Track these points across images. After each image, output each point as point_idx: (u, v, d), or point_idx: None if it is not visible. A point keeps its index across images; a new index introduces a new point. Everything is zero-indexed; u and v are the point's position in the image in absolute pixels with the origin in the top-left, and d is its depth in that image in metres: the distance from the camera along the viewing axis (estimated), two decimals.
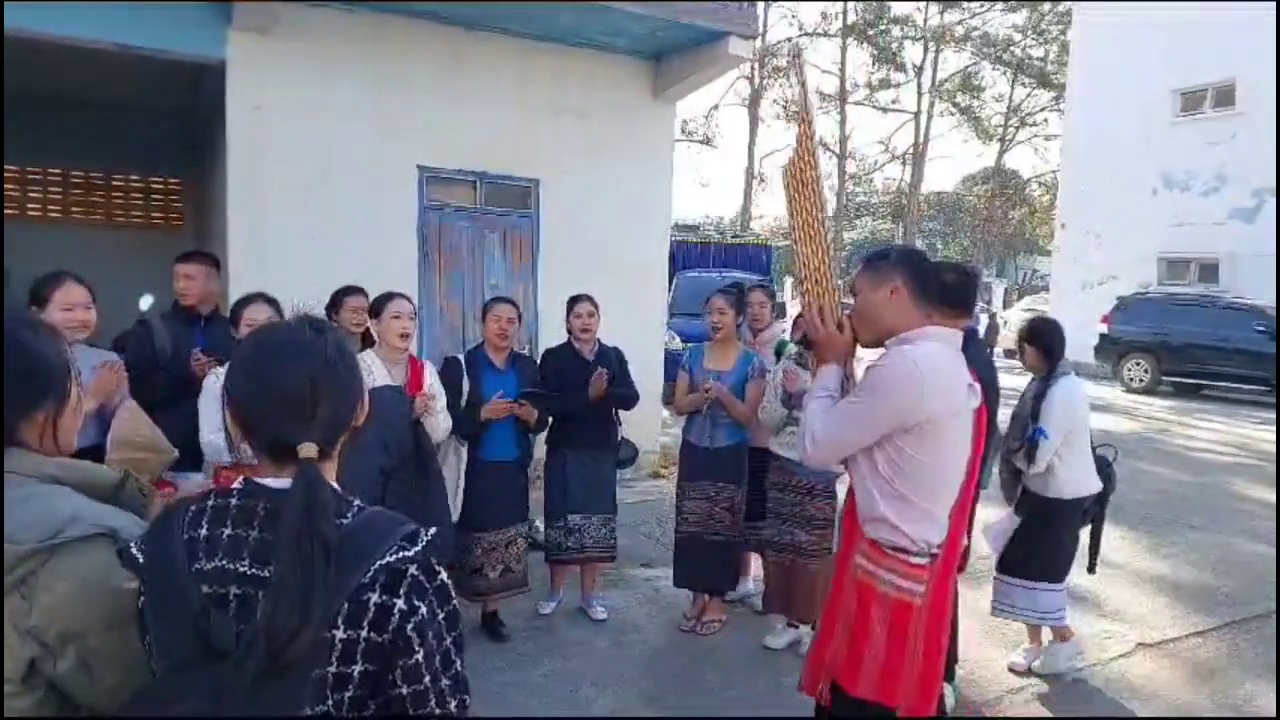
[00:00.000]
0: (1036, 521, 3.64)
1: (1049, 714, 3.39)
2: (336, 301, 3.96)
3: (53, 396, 1.18)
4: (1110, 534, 5.59)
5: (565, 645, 3.80)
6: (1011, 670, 3.72)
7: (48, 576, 1.06)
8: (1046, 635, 3.78)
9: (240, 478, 1.11)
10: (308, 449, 1.05)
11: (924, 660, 1.96)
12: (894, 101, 34.26)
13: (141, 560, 1.06)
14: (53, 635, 1.07)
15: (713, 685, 3.49)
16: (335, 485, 1.12)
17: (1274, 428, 10.04)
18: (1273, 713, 3.41)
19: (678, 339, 9.83)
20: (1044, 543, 3.64)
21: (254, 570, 1.03)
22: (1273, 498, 6.74)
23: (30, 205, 8.88)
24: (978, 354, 2.75)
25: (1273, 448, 8.83)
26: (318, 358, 1.10)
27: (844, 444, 1.98)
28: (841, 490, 3.32)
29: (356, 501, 1.11)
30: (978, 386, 1.98)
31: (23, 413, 1.15)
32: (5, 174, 8.68)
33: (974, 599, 4.54)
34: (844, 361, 2.10)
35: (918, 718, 1.96)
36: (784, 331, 4.59)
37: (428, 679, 1.05)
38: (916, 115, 33.14)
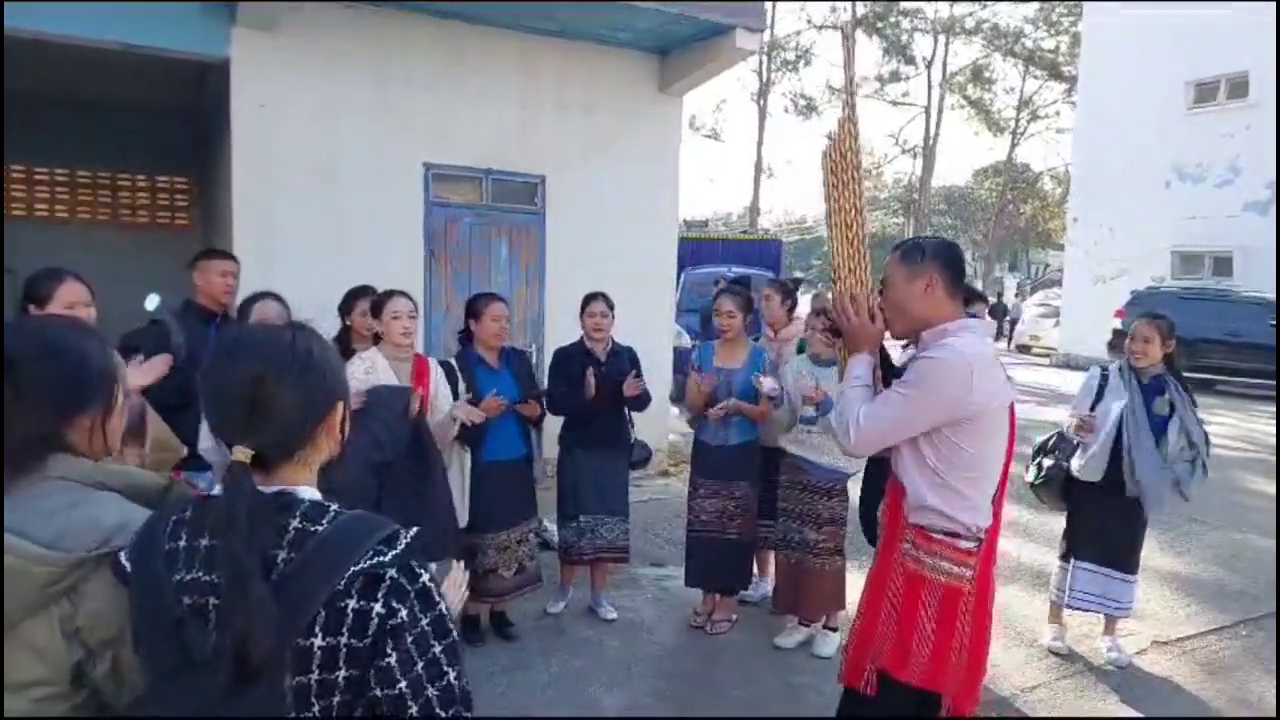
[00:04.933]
0: (1137, 513, 3.68)
1: (1061, 713, 3.35)
2: (349, 303, 3.96)
3: (101, 400, 1.20)
4: None
5: (574, 644, 3.78)
6: (1054, 654, 3.79)
7: (95, 584, 1.09)
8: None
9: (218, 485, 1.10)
10: (240, 453, 1.03)
11: (971, 647, 1.99)
12: (904, 95, 34.13)
13: (129, 570, 1.06)
14: (96, 640, 1.10)
15: (723, 685, 3.46)
16: (308, 493, 1.10)
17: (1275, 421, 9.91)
18: None
19: (686, 336, 9.79)
20: (1136, 533, 3.74)
21: None
22: None
23: (38, 206, 8.92)
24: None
25: None
26: (266, 359, 1.06)
27: (890, 433, 1.99)
28: (853, 489, 3.29)
29: (334, 506, 1.08)
30: (1013, 378, 2.10)
31: (72, 416, 1.17)
32: (13, 175, 8.73)
33: None
34: (874, 351, 2.11)
35: (962, 716, 1.99)
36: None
37: (403, 684, 1.01)
38: (927, 109, 32.96)
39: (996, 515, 2.03)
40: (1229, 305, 13.31)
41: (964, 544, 1.97)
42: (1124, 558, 3.71)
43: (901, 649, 1.98)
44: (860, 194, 2.21)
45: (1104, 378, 3.77)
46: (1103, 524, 3.70)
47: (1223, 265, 15.99)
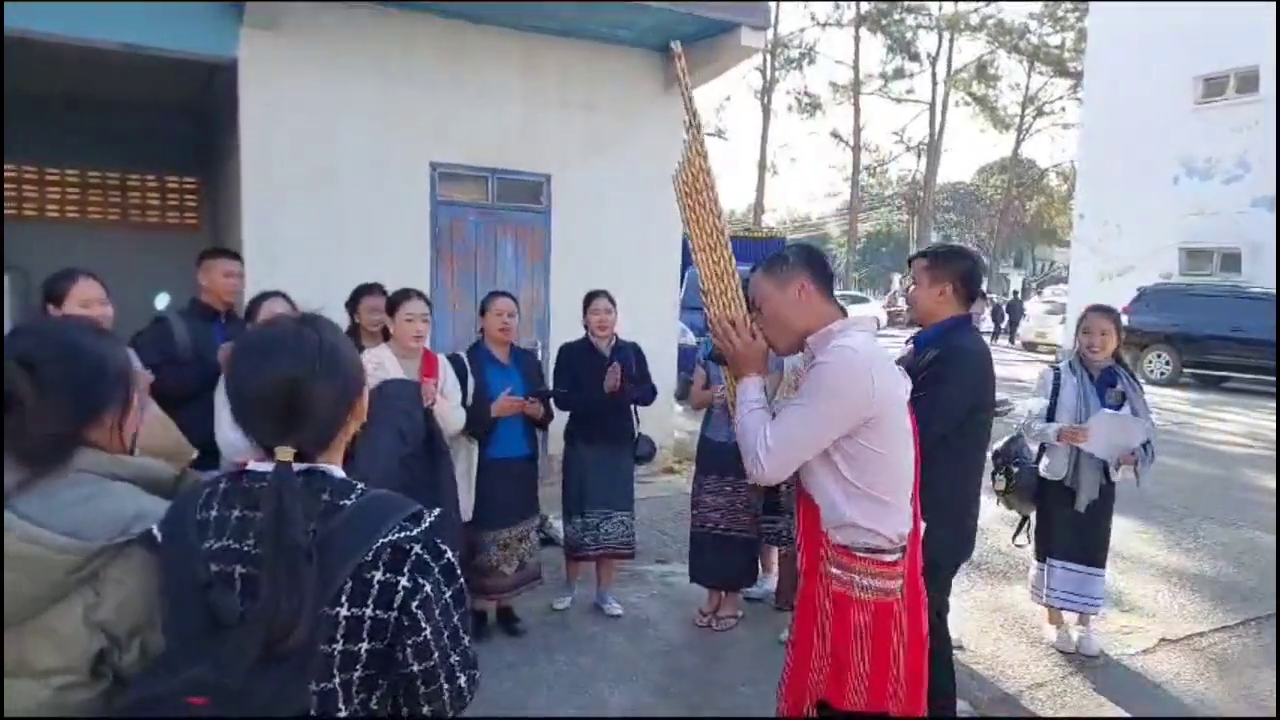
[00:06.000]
0: (1104, 509, 3.72)
1: (1068, 712, 3.35)
2: (356, 300, 4.01)
3: (119, 398, 1.23)
4: (1131, 528, 5.56)
5: (580, 640, 3.79)
6: (1061, 651, 3.80)
7: (118, 571, 1.11)
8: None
9: (248, 462, 1.14)
10: (283, 453, 1.07)
11: (908, 656, 1.92)
12: (908, 92, 34.04)
13: (160, 540, 1.10)
14: (123, 629, 1.12)
15: (728, 681, 3.47)
16: (337, 471, 1.14)
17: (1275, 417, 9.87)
18: None
19: (690, 334, 9.79)
20: (1107, 529, 3.77)
21: (258, 550, 1.05)
22: None
23: (49, 206, 8.97)
24: (975, 343, 2.74)
25: None
26: (298, 360, 1.09)
27: (801, 450, 1.88)
28: None
29: (360, 485, 1.12)
30: (903, 370, 2.02)
31: (94, 415, 1.19)
32: (26, 176, 8.79)
33: (994, 594, 4.50)
34: (762, 371, 2.04)
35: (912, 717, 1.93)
36: None
37: (437, 656, 1.08)
38: (931, 105, 32.89)
39: (915, 516, 1.95)
40: (1237, 302, 13.25)
41: (888, 556, 1.88)
42: (1096, 553, 3.75)
43: (839, 678, 1.90)
44: (719, 215, 2.13)
45: (1056, 376, 3.79)
46: (1074, 521, 3.70)
47: (1231, 261, 15.92)
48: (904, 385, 1.95)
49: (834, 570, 1.91)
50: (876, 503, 1.86)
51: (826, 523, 1.92)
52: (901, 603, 1.91)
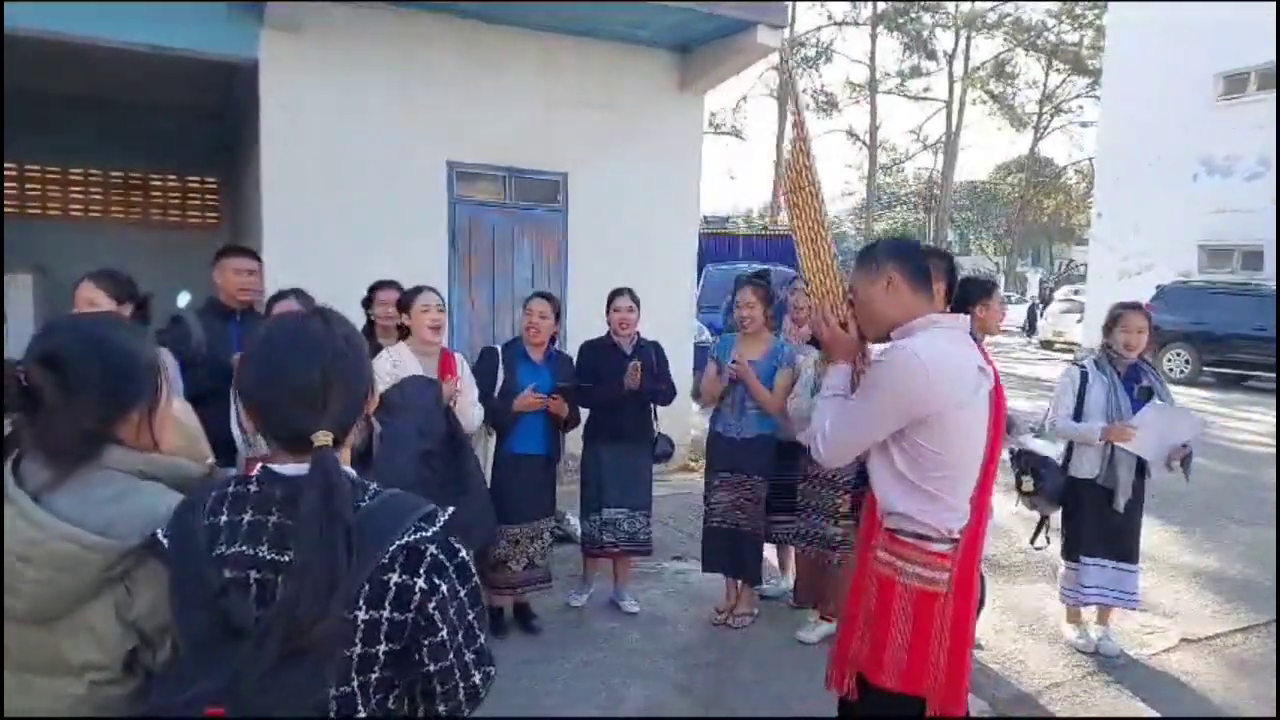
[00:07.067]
0: (1137, 504, 3.72)
1: (1086, 712, 3.33)
2: (371, 297, 4.06)
3: (147, 394, 1.23)
4: (1152, 527, 5.50)
5: (596, 637, 3.81)
6: (1080, 651, 3.77)
7: (150, 571, 1.12)
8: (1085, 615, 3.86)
9: (258, 465, 1.13)
10: (323, 436, 1.07)
11: (951, 651, 1.93)
12: (925, 90, 33.83)
13: (166, 545, 1.09)
14: (154, 627, 1.13)
15: (745, 679, 3.48)
16: (350, 470, 1.14)
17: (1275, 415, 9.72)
18: None
19: (706, 332, 9.79)
20: (1139, 524, 3.77)
21: (273, 555, 1.05)
22: None
23: (72, 206, 9.11)
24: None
25: None
26: (327, 350, 1.11)
27: (854, 442, 1.98)
28: None
29: (373, 485, 1.13)
30: (990, 369, 1.95)
31: (121, 411, 1.20)
32: (48, 176, 8.94)
33: (1013, 593, 4.48)
34: (852, 359, 2.11)
35: (949, 715, 1.94)
36: None
37: (453, 655, 1.09)
38: (948, 104, 32.68)
39: (980, 513, 1.97)
40: (1258, 300, 13.07)
41: (935, 546, 1.91)
42: (1129, 549, 3.74)
43: (877, 654, 1.96)
44: (821, 208, 2.23)
45: (1083, 374, 3.76)
46: (1107, 518, 3.69)
47: (1252, 259, 15.71)
48: (981, 387, 1.92)
49: (882, 554, 1.98)
50: (929, 497, 1.90)
51: (880, 509, 1.99)
52: (947, 596, 1.92)
